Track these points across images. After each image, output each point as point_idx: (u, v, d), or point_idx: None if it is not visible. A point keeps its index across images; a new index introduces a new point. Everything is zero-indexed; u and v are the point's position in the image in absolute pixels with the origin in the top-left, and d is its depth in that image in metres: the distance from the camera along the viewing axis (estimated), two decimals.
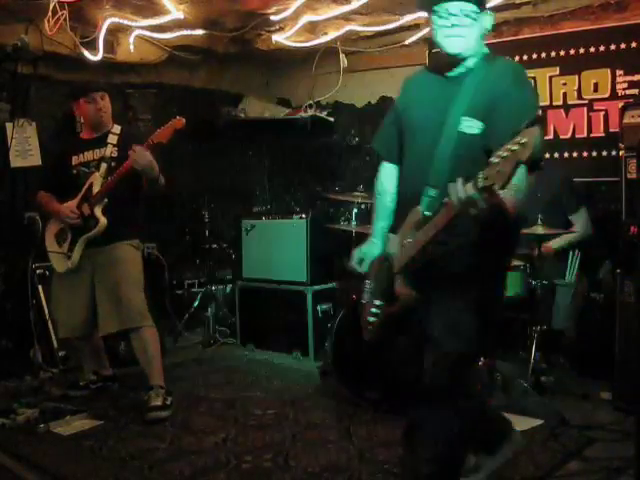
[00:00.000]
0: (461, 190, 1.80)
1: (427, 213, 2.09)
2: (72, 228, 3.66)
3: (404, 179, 2.36)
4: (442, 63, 2.22)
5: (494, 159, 1.72)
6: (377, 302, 2.28)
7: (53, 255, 3.75)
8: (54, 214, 3.74)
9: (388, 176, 2.47)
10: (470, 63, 2.16)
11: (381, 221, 2.42)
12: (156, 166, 3.50)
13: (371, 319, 2.30)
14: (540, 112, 2.08)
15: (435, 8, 2.11)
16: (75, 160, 3.71)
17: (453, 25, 2.09)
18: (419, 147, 2.24)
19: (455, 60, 2.17)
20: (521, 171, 1.77)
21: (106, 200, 3.59)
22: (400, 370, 2.39)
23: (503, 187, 1.73)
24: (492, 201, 1.78)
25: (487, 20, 2.15)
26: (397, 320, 2.26)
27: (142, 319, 3.55)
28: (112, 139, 3.70)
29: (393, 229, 2.33)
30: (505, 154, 1.69)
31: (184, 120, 3.49)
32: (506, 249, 2.30)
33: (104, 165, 3.64)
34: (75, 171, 3.70)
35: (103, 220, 3.59)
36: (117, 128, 3.75)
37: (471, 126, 2.08)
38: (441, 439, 2.16)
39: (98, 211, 3.59)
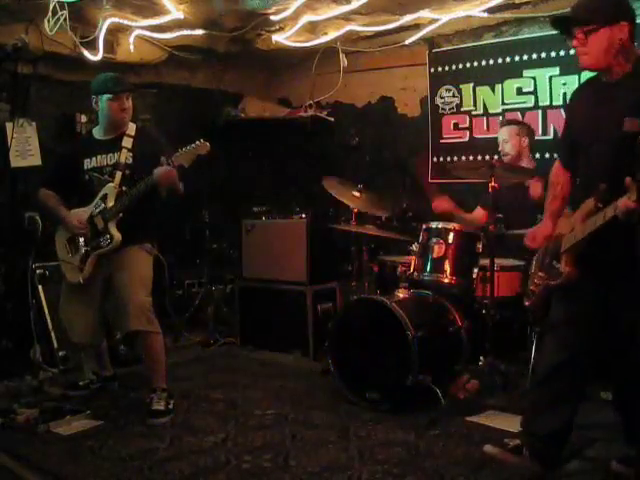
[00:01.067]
0: (625, 203, 2.11)
1: (599, 205, 2.32)
2: (84, 240, 3.59)
3: (582, 175, 2.64)
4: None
5: None
6: (541, 274, 2.62)
7: (64, 264, 3.69)
8: (60, 220, 3.67)
9: (558, 170, 2.78)
10: (625, 68, 2.39)
11: (552, 205, 2.76)
12: (179, 183, 3.46)
13: (533, 287, 2.66)
14: None
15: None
16: (87, 164, 3.60)
17: (576, 45, 2.41)
18: (590, 147, 2.50)
19: (594, 71, 2.49)
20: None
21: (121, 215, 3.51)
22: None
23: None
24: None
25: (615, 30, 2.33)
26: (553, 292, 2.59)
27: (149, 324, 3.53)
28: (127, 142, 3.58)
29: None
30: None
31: (209, 145, 3.37)
32: None
33: (118, 173, 3.54)
34: (87, 177, 3.59)
35: (118, 237, 3.50)
36: (132, 128, 3.64)
37: (633, 125, 2.29)
38: None
39: (113, 227, 3.51)
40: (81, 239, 3.61)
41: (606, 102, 2.41)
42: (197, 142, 3.37)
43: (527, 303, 2.85)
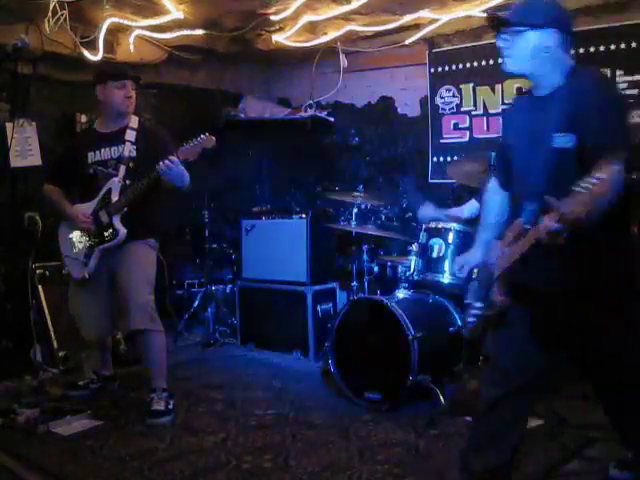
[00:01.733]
0: (546, 225, 1.94)
1: (527, 226, 2.18)
2: (88, 234, 3.60)
3: (512, 194, 2.49)
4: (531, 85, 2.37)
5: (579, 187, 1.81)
6: (477, 304, 2.45)
7: (68, 260, 3.68)
8: (64, 216, 3.67)
9: (493, 192, 2.58)
10: (556, 80, 2.24)
11: (483, 233, 2.57)
12: (187, 175, 3.45)
13: (471, 319, 2.48)
14: (625, 136, 2.18)
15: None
16: (91, 158, 3.59)
17: (502, 47, 2.29)
18: (520, 164, 2.36)
19: (527, 78, 2.32)
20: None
21: (126, 209, 3.52)
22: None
23: (579, 222, 1.83)
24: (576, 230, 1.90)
25: (540, 36, 2.21)
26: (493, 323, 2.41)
27: (152, 323, 3.53)
28: (130, 135, 3.57)
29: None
30: (580, 189, 1.79)
31: (214, 139, 3.38)
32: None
33: (122, 167, 3.54)
34: (92, 170, 3.58)
35: (123, 231, 3.51)
36: (135, 121, 3.63)
37: (563, 141, 2.15)
38: None
39: (117, 221, 3.52)
40: (85, 234, 3.61)
41: (537, 116, 2.26)
42: (202, 136, 3.38)
43: (466, 336, 2.69)
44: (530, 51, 2.22)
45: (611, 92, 2.27)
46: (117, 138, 3.59)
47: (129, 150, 3.56)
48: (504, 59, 2.30)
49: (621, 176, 1.91)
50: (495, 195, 2.56)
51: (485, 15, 2.49)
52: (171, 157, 3.33)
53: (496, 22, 2.32)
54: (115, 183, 3.54)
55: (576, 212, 1.81)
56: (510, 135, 2.46)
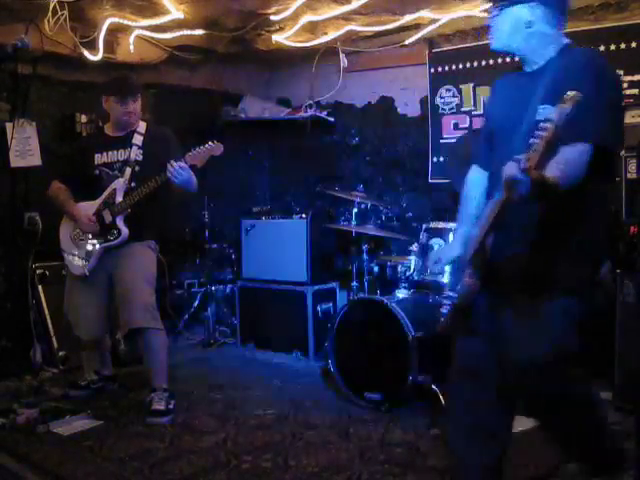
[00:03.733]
0: (507, 170, 1.85)
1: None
2: (91, 233, 3.61)
3: (492, 173, 2.31)
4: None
5: (533, 139, 1.78)
6: (450, 294, 2.33)
7: (68, 256, 3.69)
8: (69, 215, 3.69)
9: (474, 182, 2.43)
10: (546, 56, 2.18)
11: (463, 226, 2.40)
12: (194, 179, 3.47)
13: (444, 310, 2.39)
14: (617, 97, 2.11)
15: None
16: (98, 159, 3.63)
17: (490, 26, 2.23)
18: (503, 144, 2.23)
19: (514, 55, 2.26)
20: (569, 148, 1.88)
21: (129, 210, 3.55)
22: None
23: (540, 166, 1.77)
24: (534, 180, 1.79)
25: (520, 11, 2.14)
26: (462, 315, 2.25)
27: (153, 321, 3.53)
28: (137, 140, 3.63)
29: None
30: (540, 133, 1.77)
31: (222, 147, 3.43)
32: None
33: (128, 170, 3.58)
34: (97, 171, 3.62)
35: (125, 231, 3.55)
36: (142, 127, 3.68)
37: (546, 113, 1.97)
38: None
39: (120, 221, 3.55)
40: (87, 233, 3.62)
41: (524, 90, 2.18)
42: (211, 142, 3.42)
43: (437, 331, 2.53)
44: (510, 26, 2.17)
45: (603, 72, 2.11)
46: (125, 142, 3.65)
47: (136, 154, 3.62)
48: (491, 37, 2.26)
49: (583, 157, 1.92)
50: (475, 187, 2.42)
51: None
52: (180, 163, 3.35)
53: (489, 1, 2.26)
54: (120, 184, 3.57)
55: (532, 159, 1.78)
56: (495, 109, 2.37)
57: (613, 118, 2.07)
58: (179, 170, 3.35)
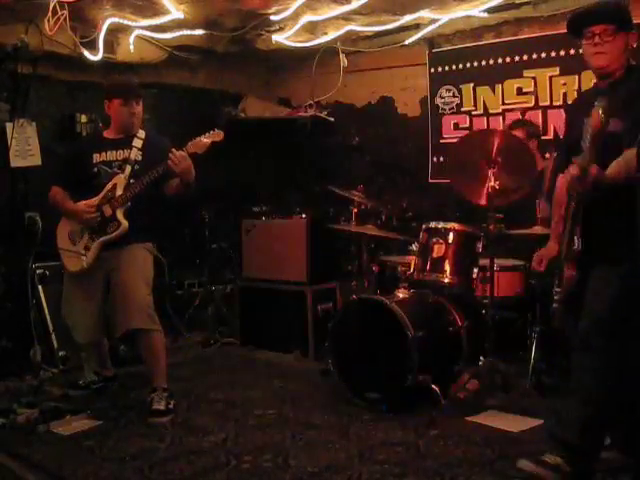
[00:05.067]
0: (571, 171, 2.41)
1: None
2: (89, 228, 3.61)
3: None
4: (597, 78, 2.68)
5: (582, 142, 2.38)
6: (556, 289, 2.62)
7: (65, 254, 3.69)
8: (69, 213, 3.68)
9: (563, 186, 2.70)
10: (618, 74, 2.54)
11: (558, 227, 2.72)
12: (193, 171, 3.48)
13: (554, 305, 2.64)
14: None
15: (583, 31, 2.57)
16: (97, 158, 3.65)
17: (596, 44, 2.52)
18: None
19: (602, 73, 2.59)
20: (628, 152, 2.32)
21: (129, 204, 3.56)
22: None
23: (592, 161, 2.31)
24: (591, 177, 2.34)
25: (630, 37, 2.53)
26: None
27: (151, 322, 3.54)
28: (137, 143, 3.66)
29: None
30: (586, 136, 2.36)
31: (222, 133, 3.45)
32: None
33: (128, 167, 3.59)
34: (96, 169, 3.63)
35: (125, 224, 3.54)
36: (142, 133, 3.71)
37: (615, 125, 2.40)
38: None
39: (120, 214, 3.55)
40: (86, 227, 3.62)
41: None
42: (211, 131, 3.45)
43: (554, 326, 2.87)
44: (622, 49, 2.51)
45: None
46: (124, 143, 3.67)
47: (135, 154, 3.64)
48: (596, 55, 2.55)
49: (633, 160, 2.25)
50: (564, 186, 2.67)
51: (575, 12, 2.77)
52: (180, 152, 3.38)
53: (586, 19, 2.58)
54: (120, 179, 3.59)
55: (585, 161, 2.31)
56: (575, 126, 2.66)
57: None
58: (180, 158, 3.37)
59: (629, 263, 2.43)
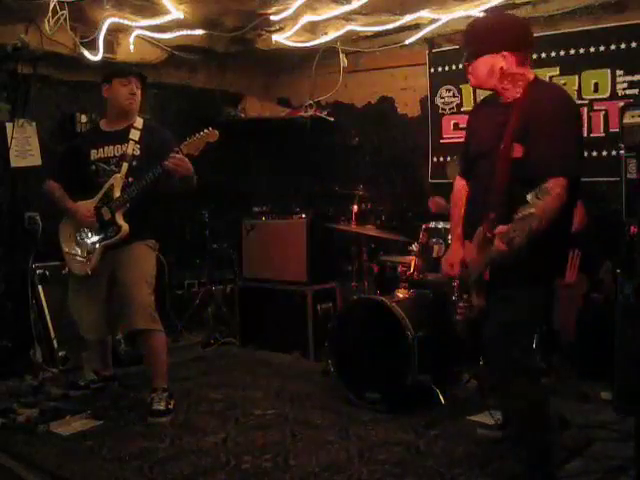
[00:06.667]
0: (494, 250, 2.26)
1: (488, 235, 2.34)
2: (90, 231, 3.60)
3: (471, 197, 2.65)
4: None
5: (512, 224, 2.16)
6: (460, 304, 2.61)
7: (69, 257, 3.69)
8: (67, 212, 3.67)
9: (459, 187, 2.75)
10: (513, 93, 2.45)
11: (457, 229, 2.72)
12: (192, 168, 3.45)
13: (458, 317, 2.65)
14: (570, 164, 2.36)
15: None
16: (94, 155, 3.60)
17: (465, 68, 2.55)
18: (481, 169, 2.53)
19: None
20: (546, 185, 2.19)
21: (128, 205, 3.52)
22: None
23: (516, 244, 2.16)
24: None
25: (494, 59, 2.43)
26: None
27: (153, 322, 3.53)
28: (134, 135, 3.59)
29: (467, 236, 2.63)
30: (519, 215, 2.13)
31: (217, 133, 3.40)
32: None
33: (125, 165, 3.54)
34: (94, 167, 3.59)
35: (125, 227, 3.51)
36: (139, 122, 3.64)
37: (518, 151, 2.34)
38: None
39: (119, 217, 3.52)
40: (87, 230, 3.62)
41: (498, 122, 2.44)
42: (205, 130, 3.40)
43: (457, 335, 2.82)
44: (486, 72, 2.46)
45: (564, 109, 2.38)
46: (121, 137, 3.61)
47: (132, 149, 3.57)
48: (468, 76, 2.56)
49: (558, 200, 2.20)
50: (461, 187, 2.73)
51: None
52: (175, 154, 3.34)
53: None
54: (117, 179, 3.55)
55: (516, 240, 2.14)
56: (474, 133, 2.64)
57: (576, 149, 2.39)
58: (177, 162, 3.34)
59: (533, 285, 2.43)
